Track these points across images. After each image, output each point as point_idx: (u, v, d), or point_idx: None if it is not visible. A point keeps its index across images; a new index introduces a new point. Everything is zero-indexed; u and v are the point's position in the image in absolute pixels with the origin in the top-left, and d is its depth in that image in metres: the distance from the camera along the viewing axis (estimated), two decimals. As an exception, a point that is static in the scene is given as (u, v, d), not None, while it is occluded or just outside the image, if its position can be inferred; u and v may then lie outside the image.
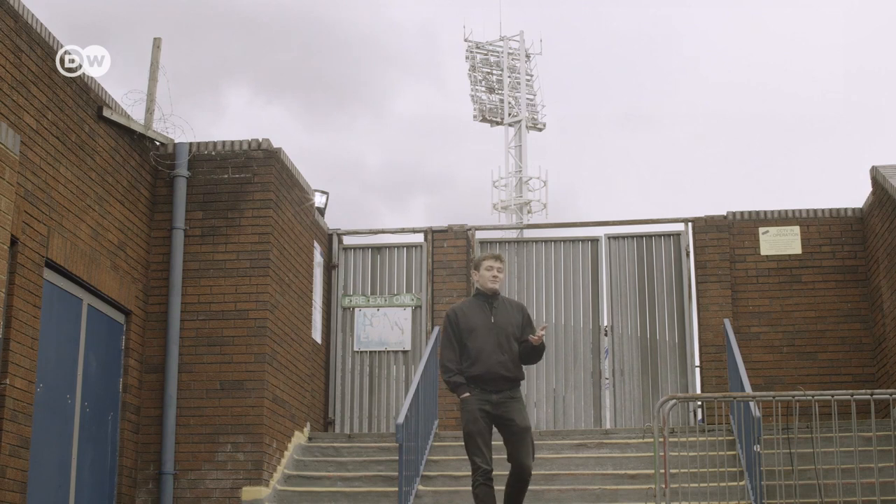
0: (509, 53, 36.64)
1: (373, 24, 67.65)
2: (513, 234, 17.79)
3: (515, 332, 7.36)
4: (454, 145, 60.92)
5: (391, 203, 61.78)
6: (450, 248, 11.75)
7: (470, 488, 7.22)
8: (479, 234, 11.93)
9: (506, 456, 7.25)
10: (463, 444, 7.33)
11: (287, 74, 69.15)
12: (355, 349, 11.81)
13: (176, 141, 9.89)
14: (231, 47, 68.98)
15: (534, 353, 7.35)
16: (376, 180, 64.42)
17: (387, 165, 65.49)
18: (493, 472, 7.14)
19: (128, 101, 9.44)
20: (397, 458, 8.83)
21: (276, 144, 10.05)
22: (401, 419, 8.51)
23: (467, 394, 7.21)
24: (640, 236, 11.78)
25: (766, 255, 11.36)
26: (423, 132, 63.30)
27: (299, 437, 10.47)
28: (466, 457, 7.22)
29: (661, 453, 7.24)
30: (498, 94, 36.45)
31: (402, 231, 12.16)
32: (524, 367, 7.46)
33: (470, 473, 7.19)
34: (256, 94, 70.78)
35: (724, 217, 11.51)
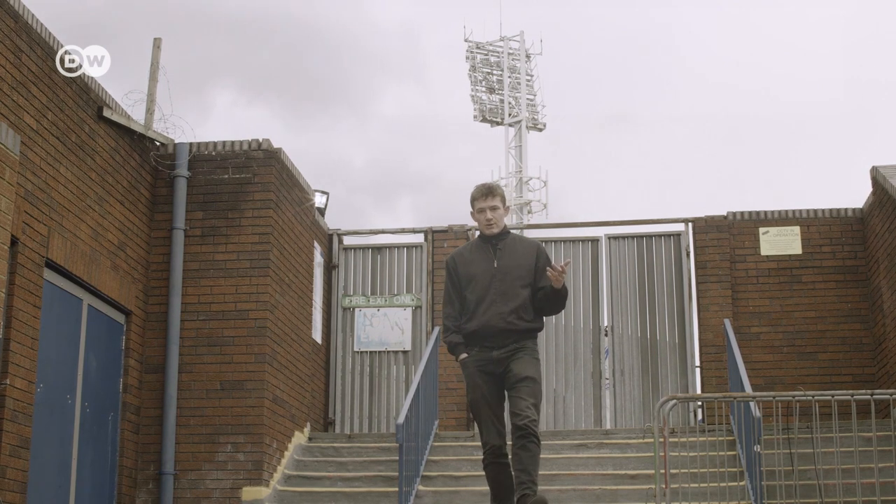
0: (509, 54, 36.64)
1: (357, 25, 67.85)
2: (513, 235, 17.74)
3: (525, 276, 6.25)
4: (443, 145, 61.07)
5: (379, 203, 61.91)
6: (450, 249, 11.73)
7: (470, 488, 6.98)
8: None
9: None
10: (463, 443, 7.06)
11: (272, 76, 69.33)
12: (355, 349, 11.81)
13: (176, 141, 9.89)
14: (215, 49, 69.13)
15: (555, 299, 6.22)
16: (363, 180, 64.58)
17: (373, 165, 65.67)
18: (507, 446, 6.17)
19: (128, 102, 9.47)
20: (397, 458, 8.82)
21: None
22: (401, 419, 8.51)
23: (465, 355, 6.25)
24: (640, 236, 11.77)
25: (767, 256, 11.36)
26: (410, 132, 63.48)
27: (299, 438, 10.47)
28: (467, 457, 7.05)
29: (662, 453, 7.24)
30: (498, 94, 36.46)
31: (403, 231, 12.16)
32: (546, 317, 6.44)
33: (469, 473, 6.92)
34: (240, 95, 70.95)
35: (724, 217, 11.51)
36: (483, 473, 6.31)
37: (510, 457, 6.09)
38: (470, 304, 6.26)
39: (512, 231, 6.53)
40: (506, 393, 6.24)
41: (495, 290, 6.20)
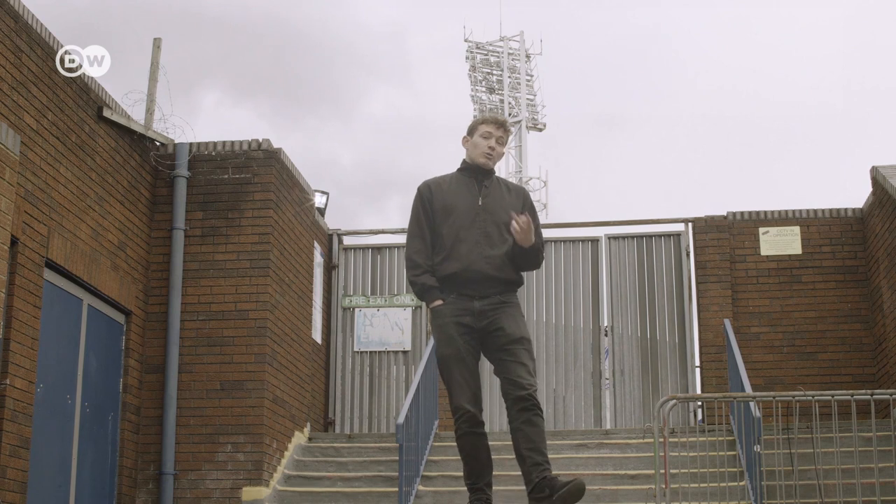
0: (509, 54, 36.64)
1: (352, 27, 68.03)
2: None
3: (511, 220, 5.43)
4: (440, 146, 61.21)
5: (371, 203, 62.02)
6: (450, 249, 11.73)
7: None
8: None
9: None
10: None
11: (259, 77, 69.50)
12: (355, 349, 11.81)
13: (176, 141, 9.89)
14: (202, 50, 69.29)
15: (529, 253, 5.45)
16: (353, 181, 64.73)
17: (366, 166, 65.78)
18: (483, 415, 5.36)
19: (128, 102, 9.46)
20: (397, 458, 8.82)
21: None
22: (401, 419, 8.50)
23: (439, 301, 5.38)
24: (640, 236, 11.78)
25: (767, 256, 11.36)
26: (407, 133, 63.62)
27: (299, 438, 10.47)
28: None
29: (662, 453, 7.24)
30: (498, 94, 36.46)
31: (403, 231, 12.15)
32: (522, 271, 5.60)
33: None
34: (226, 96, 71.09)
35: (724, 217, 11.50)
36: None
37: (512, 432, 5.28)
38: (447, 242, 5.41)
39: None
40: (486, 353, 5.46)
41: (479, 229, 5.40)
